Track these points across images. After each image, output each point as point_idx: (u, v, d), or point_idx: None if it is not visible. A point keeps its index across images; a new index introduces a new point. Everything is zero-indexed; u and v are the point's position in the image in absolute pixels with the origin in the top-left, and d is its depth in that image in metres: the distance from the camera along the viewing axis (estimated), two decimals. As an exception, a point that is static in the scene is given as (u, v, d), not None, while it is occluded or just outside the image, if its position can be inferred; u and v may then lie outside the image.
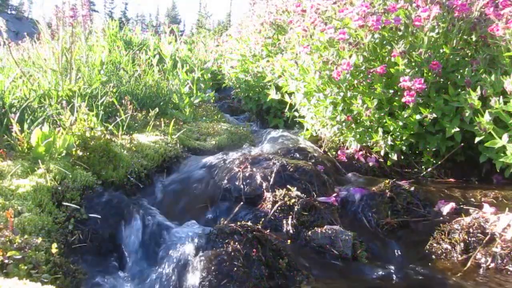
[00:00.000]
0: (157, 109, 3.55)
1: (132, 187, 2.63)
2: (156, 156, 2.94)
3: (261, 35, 4.98)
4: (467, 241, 1.96)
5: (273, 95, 4.11)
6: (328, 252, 2.02)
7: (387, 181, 2.46)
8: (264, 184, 2.48)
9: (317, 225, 2.15)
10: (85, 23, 3.83)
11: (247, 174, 2.57)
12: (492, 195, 2.36)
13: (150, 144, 3.01)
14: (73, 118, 2.54)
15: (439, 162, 2.80)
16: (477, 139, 2.40)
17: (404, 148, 2.82)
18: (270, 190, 2.41)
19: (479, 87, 2.32)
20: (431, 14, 2.43)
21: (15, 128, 2.38)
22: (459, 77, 2.54)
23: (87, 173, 2.35)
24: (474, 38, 2.64)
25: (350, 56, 2.73)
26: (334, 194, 2.43)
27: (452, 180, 2.81)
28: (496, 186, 2.62)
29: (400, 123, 2.64)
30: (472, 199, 2.37)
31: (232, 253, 1.76)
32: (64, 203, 2.06)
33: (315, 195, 2.42)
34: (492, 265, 1.83)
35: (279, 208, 2.25)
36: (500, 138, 2.25)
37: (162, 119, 3.67)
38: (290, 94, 3.88)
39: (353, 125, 2.95)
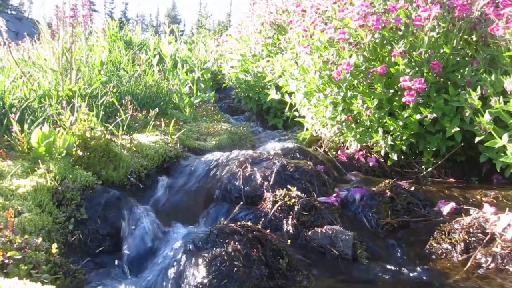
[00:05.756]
0: (157, 109, 3.55)
1: (132, 187, 2.63)
2: (156, 156, 2.94)
3: (261, 35, 4.98)
4: (467, 241, 1.96)
5: (273, 95, 4.11)
6: (328, 252, 2.02)
7: (387, 181, 2.46)
8: (264, 184, 2.48)
9: (317, 225, 2.15)
10: (85, 23, 3.83)
11: (247, 174, 2.57)
12: (492, 195, 2.35)
13: (150, 144, 3.01)
14: (73, 118, 2.54)
15: (439, 162, 2.79)
16: (477, 139, 2.40)
17: (404, 148, 2.82)
18: (270, 190, 2.41)
19: (479, 87, 2.32)
20: (431, 14, 2.43)
21: (15, 128, 2.38)
22: (459, 76, 2.54)
23: (87, 173, 2.35)
24: (474, 38, 2.64)
25: (350, 56, 2.73)
26: (334, 194, 2.43)
27: (452, 180, 2.81)
28: (496, 186, 2.62)
29: (400, 123, 2.64)
30: (472, 199, 2.37)
31: (232, 253, 1.76)
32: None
33: (315, 195, 2.42)
34: (492, 265, 1.83)
35: (279, 208, 2.25)
36: (500, 138, 2.25)
37: (162, 119, 3.67)
38: (290, 94, 3.88)
39: (353, 125, 2.95)
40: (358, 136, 2.94)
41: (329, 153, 3.32)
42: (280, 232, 2.16)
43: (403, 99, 2.50)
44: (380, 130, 2.78)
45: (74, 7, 3.47)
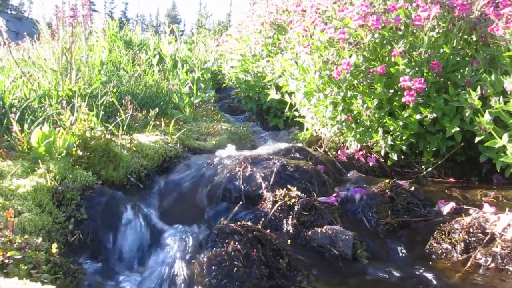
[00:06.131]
0: (157, 109, 3.55)
1: (132, 187, 2.62)
2: (156, 156, 2.94)
3: (261, 35, 4.98)
4: (467, 241, 1.96)
5: (273, 95, 4.11)
6: (328, 252, 2.02)
7: (387, 181, 2.46)
8: (264, 184, 2.48)
9: (317, 225, 2.15)
10: (85, 23, 3.83)
11: (247, 174, 2.57)
12: (492, 195, 2.35)
13: (150, 144, 3.01)
14: (73, 118, 2.54)
15: (439, 162, 2.79)
16: (477, 139, 2.40)
17: (404, 148, 2.82)
18: (270, 190, 2.41)
19: (479, 87, 2.32)
20: (431, 14, 2.43)
21: (15, 128, 2.38)
22: (459, 76, 2.54)
23: (87, 173, 2.35)
24: (474, 37, 2.64)
25: (350, 56, 2.73)
26: (334, 194, 2.43)
27: (452, 180, 2.81)
28: (496, 186, 2.62)
29: (400, 123, 2.64)
30: (472, 199, 2.37)
31: (232, 253, 1.76)
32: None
33: (315, 195, 2.42)
34: (492, 265, 1.83)
35: (279, 208, 2.25)
36: (500, 138, 2.25)
37: (162, 119, 3.67)
38: (290, 94, 3.88)
39: (353, 125, 2.95)
40: (358, 136, 2.94)
41: (329, 153, 3.32)
42: (280, 232, 2.16)
43: (403, 99, 2.50)
44: (380, 130, 2.78)
45: (74, 7, 3.47)
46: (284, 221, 2.20)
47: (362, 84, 2.82)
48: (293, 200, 2.27)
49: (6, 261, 1.42)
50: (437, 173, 2.87)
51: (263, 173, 2.54)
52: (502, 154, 2.35)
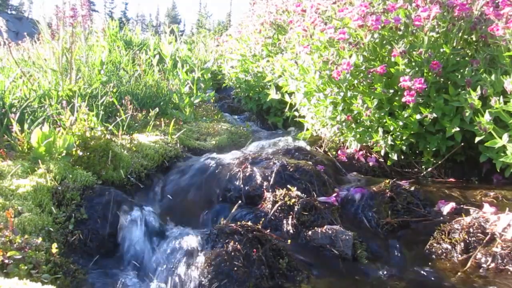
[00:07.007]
0: (157, 109, 3.55)
1: (132, 187, 2.62)
2: (156, 156, 2.94)
3: (261, 35, 4.98)
4: (467, 241, 1.96)
5: (273, 95, 4.11)
6: (329, 252, 2.02)
7: (387, 181, 2.46)
8: (264, 184, 2.48)
9: (317, 225, 2.15)
10: (85, 23, 3.84)
11: (247, 174, 2.57)
12: (492, 195, 2.35)
13: (150, 144, 3.01)
14: (73, 118, 2.54)
15: (439, 162, 2.79)
16: (477, 139, 2.40)
17: (404, 148, 2.82)
18: (270, 190, 2.41)
19: (479, 87, 2.32)
20: (431, 14, 2.43)
21: (15, 128, 2.38)
22: (459, 76, 2.54)
23: (87, 173, 2.35)
24: (474, 37, 2.64)
25: (350, 56, 2.73)
26: (334, 194, 2.43)
27: (452, 180, 2.81)
28: (496, 186, 2.62)
29: (400, 123, 2.64)
30: (472, 199, 2.37)
31: (232, 253, 1.76)
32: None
33: (315, 195, 2.42)
34: (492, 265, 1.83)
35: (279, 208, 2.25)
36: (500, 138, 2.25)
37: (162, 119, 3.67)
38: (290, 94, 3.88)
39: (353, 125, 2.95)
40: (358, 136, 2.94)
41: (329, 153, 3.32)
42: (280, 232, 2.16)
43: (403, 99, 2.50)
44: (380, 130, 2.78)
45: (74, 7, 3.47)
46: (284, 221, 2.20)
47: (362, 84, 2.82)
48: (293, 200, 2.27)
49: (6, 261, 1.42)
50: (437, 173, 2.87)
51: (263, 173, 2.54)
52: (502, 154, 2.35)
